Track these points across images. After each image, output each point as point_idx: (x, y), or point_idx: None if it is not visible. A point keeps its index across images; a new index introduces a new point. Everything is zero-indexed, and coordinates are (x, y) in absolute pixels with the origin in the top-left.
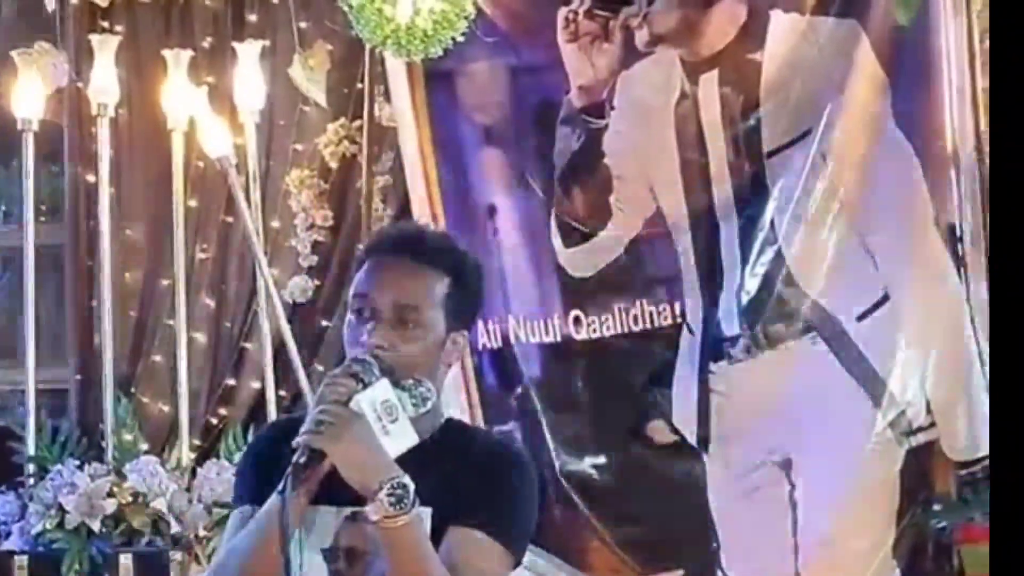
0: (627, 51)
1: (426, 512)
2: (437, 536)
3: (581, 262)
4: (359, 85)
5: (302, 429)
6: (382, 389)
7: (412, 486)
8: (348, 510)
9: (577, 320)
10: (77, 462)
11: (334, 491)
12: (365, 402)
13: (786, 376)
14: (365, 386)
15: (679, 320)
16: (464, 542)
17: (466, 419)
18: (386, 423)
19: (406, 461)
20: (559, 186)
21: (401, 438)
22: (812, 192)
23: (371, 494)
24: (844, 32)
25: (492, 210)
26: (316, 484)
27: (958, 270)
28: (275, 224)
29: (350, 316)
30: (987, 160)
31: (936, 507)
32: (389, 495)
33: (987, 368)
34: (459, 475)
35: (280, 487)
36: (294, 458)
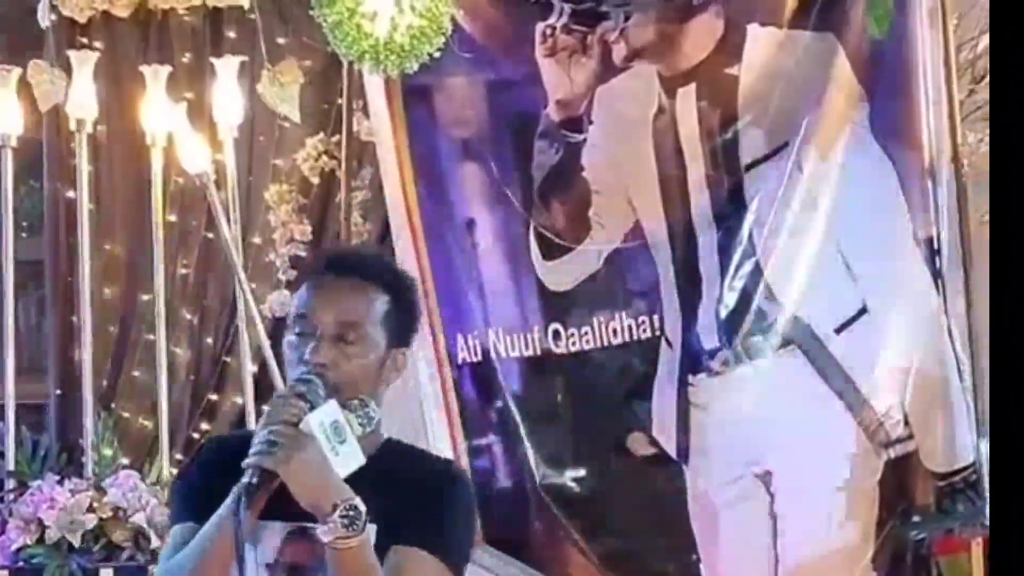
0: (605, 65)
1: (371, 529)
2: (379, 554)
3: (560, 275)
4: (338, 100)
5: (252, 450)
6: (330, 410)
7: (363, 507)
8: (291, 525)
9: (556, 333)
10: (57, 477)
11: (279, 506)
12: (315, 423)
13: (765, 388)
14: (312, 406)
15: (658, 333)
16: (409, 561)
17: (446, 434)
18: (335, 444)
19: (350, 481)
20: (538, 200)
21: (350, 459)
22: (790, 205)
23: (324, 515)
24: (821, 45)
25: (471, 224)
26: (263, 501)
27: (936, 282)
28: (256, 240)
29: (291, 337)
30: (964, 171)
31: (915, 518)
32: (343, 516)
33: (965, 381)
34: (402, 495)
35: (234, 507)
36: (245, 478)
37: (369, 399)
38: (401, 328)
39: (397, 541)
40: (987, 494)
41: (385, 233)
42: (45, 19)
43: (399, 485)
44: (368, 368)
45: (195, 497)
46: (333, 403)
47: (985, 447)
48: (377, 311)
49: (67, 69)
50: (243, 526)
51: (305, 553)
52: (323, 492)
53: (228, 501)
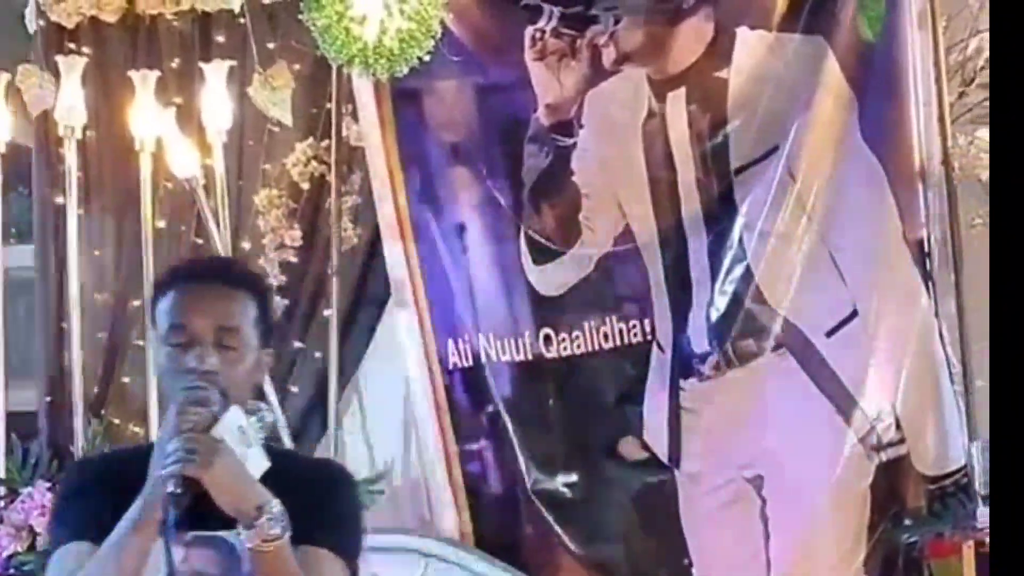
0: (594, 69)
1: None
2: None
3: (551, 280)
4: (327, 105)
5: (170, 459)
6: (236, 415)
7: (284, 508)
8: (190, 535)
9: (547, 338)
10: (48, 484)
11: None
12: (224, 429)
13: (756, 392)
14: (214, 414)
15: (649, 337)
16: (314, 559)
17: (437, 439)
18: (243, 449)
19: None
20: (528, 204)
21: (258, 462)
22: (780, 208)
23: (248, 519)
24: (811, 49)
25: (461, 228)
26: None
27: (926, 285)
28: (245, 245)
29: (168, 348)
30: (954, 174)
31: (906, 522)
32: (270, 519)
33: (956, 384)
34: (296, 496)
35: (161, 517)
36: (169, 487)
37: (260, 403)
38: (267, 329)
39: (300, 541)
40: (979, 497)
41: (375, 238)
42: (33, 24)
43: (291, 487)
44: (248, 371)
45: (84, 517)
46: (236, 408)
47: (976, 450)
48: (250, 315)
49: (55, 74)
50: (174, 535)
51: (206, 560)
52: (245, 496)
53: (132, 514)
